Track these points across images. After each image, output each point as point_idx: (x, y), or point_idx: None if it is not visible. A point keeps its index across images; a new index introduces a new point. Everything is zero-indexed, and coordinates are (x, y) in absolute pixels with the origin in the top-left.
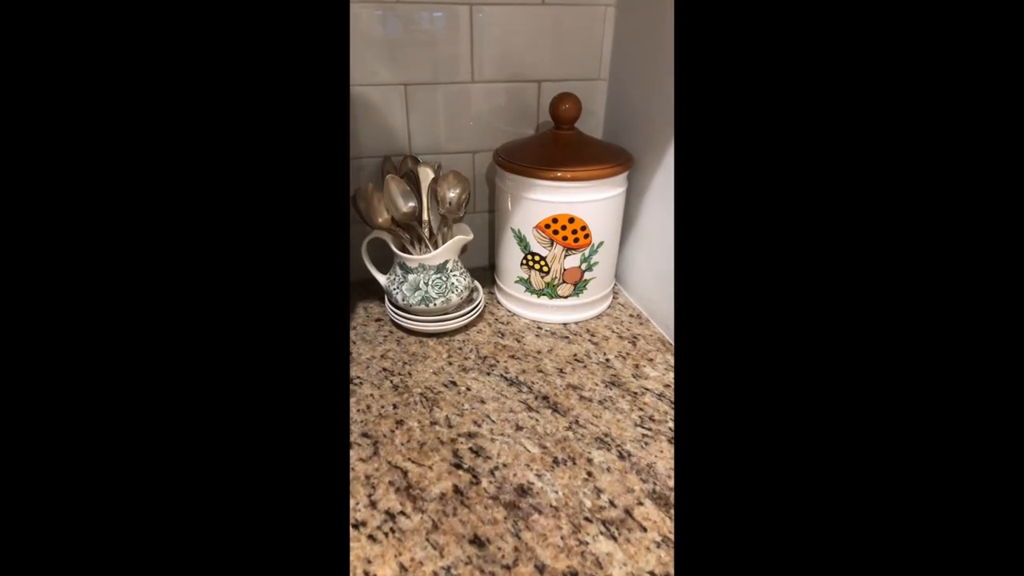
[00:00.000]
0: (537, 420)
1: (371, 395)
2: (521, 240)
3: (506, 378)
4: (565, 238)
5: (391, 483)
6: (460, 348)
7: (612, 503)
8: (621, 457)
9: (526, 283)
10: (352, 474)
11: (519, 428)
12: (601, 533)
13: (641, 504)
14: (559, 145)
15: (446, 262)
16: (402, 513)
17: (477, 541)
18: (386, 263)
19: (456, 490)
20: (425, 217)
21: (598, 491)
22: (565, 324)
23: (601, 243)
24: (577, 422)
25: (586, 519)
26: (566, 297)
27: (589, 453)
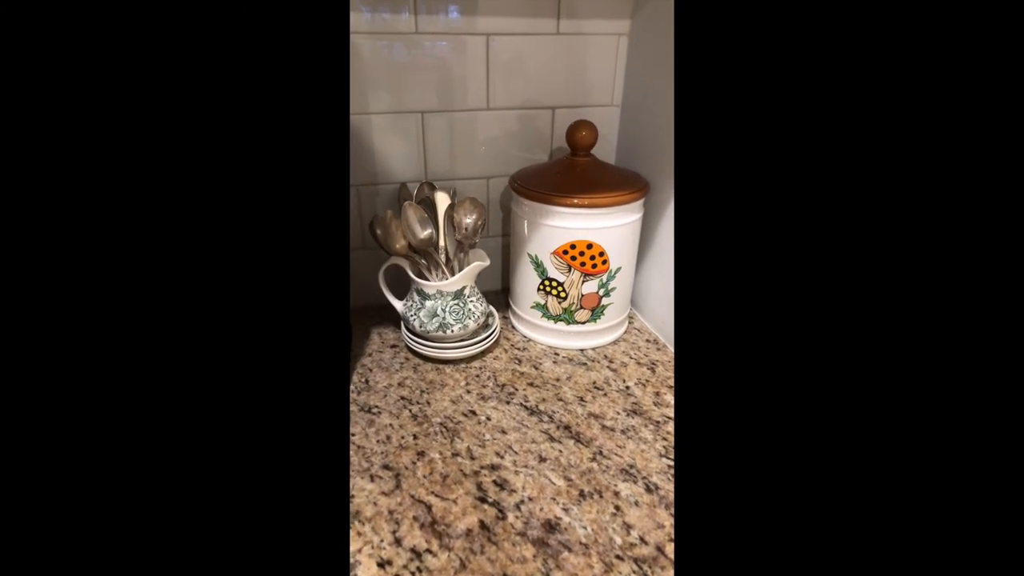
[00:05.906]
0: (560, 451)
1: (390, 425)
2: (538, 266)
3: (526, 407)
4: (583, 264)
5: (415, 518)
6: (477, 375)
7: (643, 539)
8: (648, 490)
9: (543, 308)
10: (375, 508)
11: (542, 459)
12: (634, 572)
13: (673, 540)
14: (577, 172)
15: (463, 288)
16: (428, 551)
17: None
18: (403, 289)
19: (482, 525)
20: (442, 243)
21: (627, 527)
22: (582, 350)
23: (619, 268)
24: (601, 453)
25: (617, 557)
26: (583, 323)
27: (615, 486)
